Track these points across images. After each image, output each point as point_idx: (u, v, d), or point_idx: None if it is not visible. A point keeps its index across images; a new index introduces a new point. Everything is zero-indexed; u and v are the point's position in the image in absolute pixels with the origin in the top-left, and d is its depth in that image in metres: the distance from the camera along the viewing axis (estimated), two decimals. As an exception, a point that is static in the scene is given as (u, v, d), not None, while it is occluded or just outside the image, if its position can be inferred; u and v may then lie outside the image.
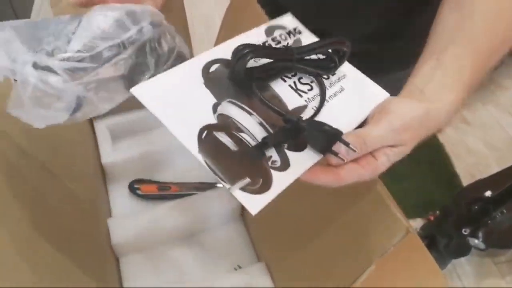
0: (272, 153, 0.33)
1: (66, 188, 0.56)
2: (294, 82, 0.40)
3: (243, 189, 0.30)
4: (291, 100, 0.38)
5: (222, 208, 0.70)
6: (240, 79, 0.36)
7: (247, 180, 0.30)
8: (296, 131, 0.33)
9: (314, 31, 0.56)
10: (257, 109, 0.35)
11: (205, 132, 0.32)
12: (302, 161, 0.33)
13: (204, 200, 0.70)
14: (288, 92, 0.39)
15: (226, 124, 0.33)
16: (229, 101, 0.35)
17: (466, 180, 1.52)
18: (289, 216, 0.57)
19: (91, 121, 0.77)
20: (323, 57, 0.41)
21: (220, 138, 0.32)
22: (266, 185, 0.31)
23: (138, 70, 0.37)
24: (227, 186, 0.30)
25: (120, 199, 0.73)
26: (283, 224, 0.60)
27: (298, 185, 0.32)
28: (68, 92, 0.34)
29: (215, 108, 0.34)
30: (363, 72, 0.69)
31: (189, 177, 0.75)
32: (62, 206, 0.54)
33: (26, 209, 0.44)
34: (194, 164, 0.76)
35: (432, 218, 1.20)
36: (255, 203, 0.29)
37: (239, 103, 0.35)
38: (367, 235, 0.41)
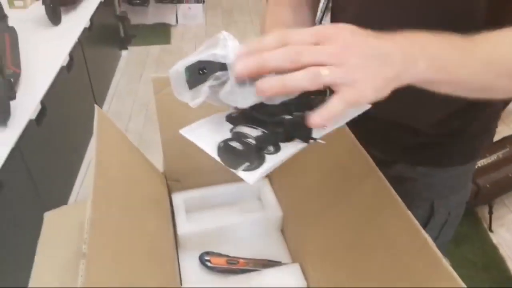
0: (269, 146, 0.47)
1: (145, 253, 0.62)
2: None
3: (244, 170, 0.43)
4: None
5: (287, 285, 0.73)
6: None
7: (246, 164, 0.44)
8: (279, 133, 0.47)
9: (382, 119, 0.61)
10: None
11: (222, 143, 0.47)
12: (290, 146, 0.47)
13: (270, 277, 0.73)
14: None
15: (237, 136, 0.48)
16: (242, 125, 0.50)
17: (525, 285, 1.44)
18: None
19: (169, 194, 0.85)
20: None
21: (231, 144, 0.47)
22: (260, 164, 0.44)
23: None
24: (234, 171, 0.43)
25: (190, 269, 0.77)
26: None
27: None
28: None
29: (231, 130, 0.50)
30: (427, 164, 0.74)
31: (255, 253, 0.79)
32: (142, 268, 0.59)
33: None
34: (260, 241, 0.81)
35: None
36: (251, 176, 0.42)
37: (248, 124, 0.50)
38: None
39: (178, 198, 0.84)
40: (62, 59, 1.74)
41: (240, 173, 0.43)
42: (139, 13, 3.18)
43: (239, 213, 0.85)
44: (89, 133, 2.07)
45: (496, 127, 0.74)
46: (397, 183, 0.74)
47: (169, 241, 0.76)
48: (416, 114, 0.66)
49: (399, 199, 0.53)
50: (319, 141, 0.47)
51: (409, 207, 0.75)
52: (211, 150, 0.47)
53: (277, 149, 0.47)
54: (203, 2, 3.42)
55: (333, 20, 0.74)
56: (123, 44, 2.93)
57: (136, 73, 2.67)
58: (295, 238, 0.80)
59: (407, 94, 0.56)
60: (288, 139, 0.48)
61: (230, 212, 0.86)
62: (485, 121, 0.70)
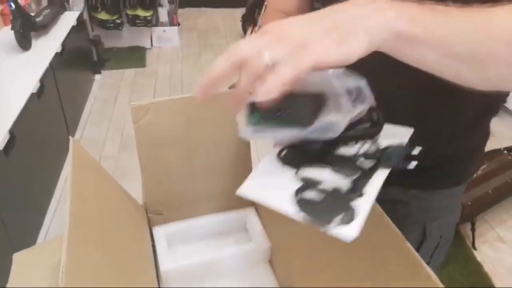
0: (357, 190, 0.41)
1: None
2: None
3: (335, 224, 0.37)
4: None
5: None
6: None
7: (339, 217, 0.37)
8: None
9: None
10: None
11: (298, 197, 0.41)
12: (372, 185, 0.42)
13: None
14: None
15: (308, 184, 0.43)
16: (305, 166, 0.45)
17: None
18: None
19: (150, 227, 0.80)
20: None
21: (307, 196, 0.41)
22: (351, 214, 0.38)
23: None
24: (324, 229, 0.36)
25: (175, 309, 0.72)
26: None
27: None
28: None
29: (297, 175, 0.44)
30: (421, 186, 0.72)
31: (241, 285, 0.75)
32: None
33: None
34: (248, 274, 0.77)
35: None
36: (349, 231, 0.36)
37: (311, 164, 0.45)
38: None
39: (160, 232, 0.80)
40: (32, 85, 1.68)
41: (333, 231, 0.36)
42: (113, 36, 3.14)
43: (225, 245, 0.81)
44: (61, 162, 2.00)
45: (485, 144, 0.74)
46: (390, 207, 0.72)
47: (150, 280, 0.71)
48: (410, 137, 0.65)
49: (396, 229, 0.51)
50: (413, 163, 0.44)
51: (402, 231, 0.73)
52: (289, 208, 0.39)
53: (360, 194, 0.41)
54: (178, 25, 3.41)
55: None
56: (97, 68, 2.87)
57: (110, 97, 2.61)
58: (284, 270, 0.76)
59: (400, 117, 0.55)
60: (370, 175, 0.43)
61: (215, 244, 0.82)
62: (477, 141, 0.70)
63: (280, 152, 0.48)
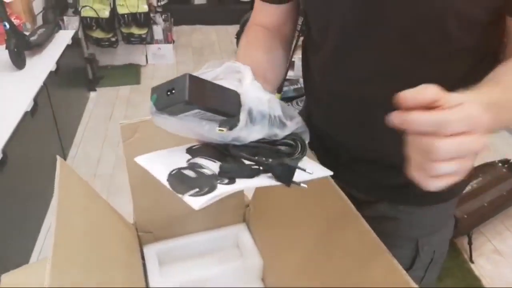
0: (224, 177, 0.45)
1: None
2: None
3: (192, 195, 0.41)
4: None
5: None
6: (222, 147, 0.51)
7: (195, 190, 0.42)
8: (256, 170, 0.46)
9: (365, 159, 0.61)
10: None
11: (175, 170, 0.46)
12: (248, 182, 0.45)
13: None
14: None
15: (192, 166, 0.47)
16: (200, 156, 0.49)
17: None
18: None
19: (141, 246, 0.79)
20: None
21: (184, 172, 0.46)
22: (209, 191, 0.42)
23: None
24: (180, 195, 0.41)
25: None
26: None
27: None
28: None
29: (188, 160, 0.49)
30: (411, 202, 0.72)
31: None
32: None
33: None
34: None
35: None
36: (197, 201, 0.40)
37: (206, 157, 0.49)
38: None
39: (151, 251, 0.79)
40: (26, 104, 1.67)
41: (186, 197, 0.41)
42: (108, 54, 3.16)
43: (217, 263, 0.80)
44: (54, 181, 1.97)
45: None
46: (379, 223, 0.71)
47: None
48: (400, 152, 0.65)
49: (384, 247, 0.51)
50: (302, 185, 0.46)
51: (393, 247, 0.72)
52: (162, 177, 0.45)
53: (232, 182, 0.45)
54: (173, 42, 3.44)
55: (307, 57, 0.72)
56: (92, 85, 2.87)
57: (105, 115, 2.61)
58: (277, 287, 0.75)
59: (390, 132, 0.55)
60: (252, 176, 0.47)
61: (207, 262, 0.81)
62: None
63: (193, 145, 0.53)
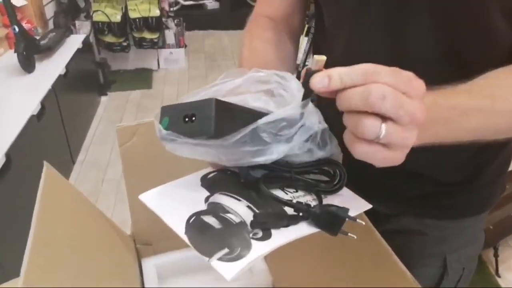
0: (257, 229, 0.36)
1: None
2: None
3: (220, 259, 0.33)
4: (277, 194, 0.42)
5: None
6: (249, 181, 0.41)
7: (225, 250, 0.33)
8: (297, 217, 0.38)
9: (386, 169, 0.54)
10: (256, 202, 0.40)
11: (194, 217, 0.37)
12: (285, 233, 0.37)
13: None
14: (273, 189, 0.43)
15: (214, 209, 0.38)
16: (220, 193, 0.40)
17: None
18: None
19: (139, 260, 0.73)
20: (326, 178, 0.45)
21: (206, 219, 0.37)
22: (243, 253, 0.34)
23: None
24: (207, 259, 0.33)
25: None
26: None
27: None
28: None
29: (207, 199, 0.40)
30: (438, 216, 0.65)
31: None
32: None
33: None
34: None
35: None
36: (228, 269, 0.32)
37: (228, 193, 0.40)
38: None
39: (149, 264, 0.72)
40: (32, 107, 1.64)
41: (215, 263, 0.33)
42: (119, 58, 3.14)
43: (221, 280, 0.73)
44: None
45: (509, 166, 0.66)
46: (403, 237, 0.64)
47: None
48: (423, 160, 0.58)
49: (401, 265, 0.44)
50: (350, 235, 0.38)
51: (419, 264, 0.65)
52: (178, 226, 0.36)
53: (268, 235, 0.36)
54: (185, 46, 3.41)
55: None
56: (103, 90, 2.85)
57: (115, 119, 2.58)
58: (287, 308, 0.68)
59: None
60: (289, 224, 0.38)
61: (210, 278, 0.74)
62: (499, 164, 0.61)
63: (208, 174, 0.44)
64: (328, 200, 0.44)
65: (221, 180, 0.41)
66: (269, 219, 0.38)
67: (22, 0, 2.25)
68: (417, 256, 0.65)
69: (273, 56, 0.55)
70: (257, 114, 0.37)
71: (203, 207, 0.38)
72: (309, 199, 0.43)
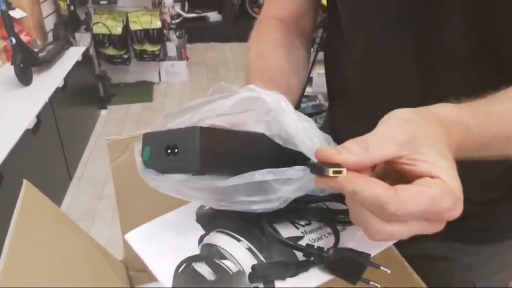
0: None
1: None
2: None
3: None
4: (285, 230, 0.37)
5: None
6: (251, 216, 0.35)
7: None
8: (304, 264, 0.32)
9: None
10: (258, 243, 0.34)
11: (184, 265, 0.32)
12: (292, 283, 0.31)
13: None
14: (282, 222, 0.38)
15: (208, 254, 0.33)
16: (218, 231, 0.34)
17: None
18: None
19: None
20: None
21: (197, 269, 0.32)
22: None
23: None
24: None
25: None
26: None
27: None
28: None
29: (201, 239, 0.34)
30: (466, 240, 0.58)
31: None
32: None
33: None
34: None
35: None
36: None
37: (227, 231, 0.34)
38: None
39: (142, 294, 0.65)
40: (27, 121, 1.58)
41: None
42: (120, 71, 3.10)
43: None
44: (58, 204, 1.87)
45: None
46: (429, 263, 0.58)
47: None
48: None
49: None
50: (373, 283, 0.32)
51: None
52: (165, 276, 0.31)
53: (271, 286, 0.31)
54: (187, 59, 3.37)
55: (331, 64, 0.60)
56: (102, 103, 2.80)
57: (114, 133, 2.52)
58: None
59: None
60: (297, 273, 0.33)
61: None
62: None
63: (203, 206, 0.38)
64: (346, 233, 0.37)
65: (219, 212, 0.35)
66: (271, 270, 0.32)
67: (21, 12, 2.22)
68: (442, 284, 0.58)
69: (283, 61, 0.49)
70: (256, 141, 0.31)
71: (196, 249, 0.33)
72: (324, 234, 0.38)
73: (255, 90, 0.31)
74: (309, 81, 2.41)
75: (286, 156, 0.31)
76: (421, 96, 0.40)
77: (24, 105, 1.73)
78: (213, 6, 4.20)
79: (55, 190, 1.88)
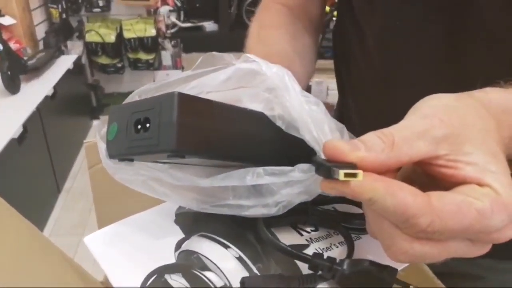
0: None
1: None
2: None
3: None
4: (287, 237, 0.31)
5: None
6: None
7: None
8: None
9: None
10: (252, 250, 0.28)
11: (154, 276, 0.26)
12: None
13: None
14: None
15: (186, 263, 0.27)
16: (200, 235, 0.29)
17: None
18: None
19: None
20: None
21: (171, 281, 0.26)
22: None
23: None
24: None
25: None
26: None
27: None
28: None
29: (179, 245, 0.29)
30: (497, 255, 0.51)
31: None
32: None
33: None
34: None
35: None
36: None
37: (212, 235, 0.28)
38: None
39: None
40: (12, 130, 1.51)
41: None
42: (114, 80, 3.03)
43: None
44: (45, 217, 1.79)
45: None
46: (456, 282, 0.53)
47: None
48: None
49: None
50: None
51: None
52: None
53: None
54: (182, 68, 3.31)
55: (344, 44, 0.53)
56: (95, 113, 2.73)
57: (107, 144, 2.45)
58: None
59: None
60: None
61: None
62: None
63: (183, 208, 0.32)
64: (362, 243, 0.31)
65: (204, 213, 0.28)
66: (267, 285, 0.25)
67: (11, 19, 2.16)
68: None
69: (287, 47, 0.43)
70: (252, 120, 0.24)
71: (172, 257, 0.27)
72: (334, 243, 0.31)
73: (255, 60, 0.24)
74: (307, 90, 2.36)
75: (289, 142, 0.24)
76: (451, 81, 0.33)
77: (10, 114, 1.66)
78: (209, 16, 4.17)
79: (43, 203, 1.79)
